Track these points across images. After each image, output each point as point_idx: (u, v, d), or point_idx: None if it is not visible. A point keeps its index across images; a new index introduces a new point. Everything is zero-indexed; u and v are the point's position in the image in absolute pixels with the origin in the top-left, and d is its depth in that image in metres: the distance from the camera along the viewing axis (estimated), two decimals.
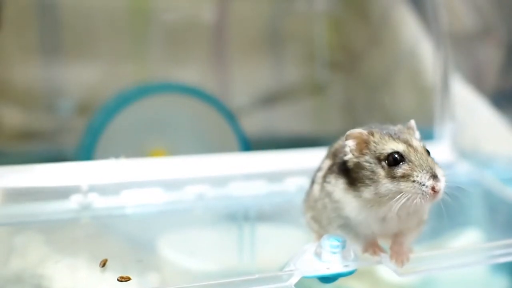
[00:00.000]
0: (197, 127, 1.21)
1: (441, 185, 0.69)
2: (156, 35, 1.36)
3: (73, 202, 0.93)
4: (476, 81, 1.27)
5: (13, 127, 1.32)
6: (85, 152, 1.14)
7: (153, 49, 1.36)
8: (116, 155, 0.99)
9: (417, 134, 0.75)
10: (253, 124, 1.34)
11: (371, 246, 0.74)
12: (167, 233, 0.90)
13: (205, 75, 1.39)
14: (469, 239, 0.94)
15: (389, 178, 0.69)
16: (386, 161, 0.70)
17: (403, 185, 0.69)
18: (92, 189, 0.94)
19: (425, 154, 0.71)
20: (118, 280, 0.73)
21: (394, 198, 0.69)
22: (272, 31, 1.43)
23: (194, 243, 0.90)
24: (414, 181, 0.69)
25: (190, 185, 0.99)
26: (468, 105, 1.23)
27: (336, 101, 1.49)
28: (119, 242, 0.91)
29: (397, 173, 0.69)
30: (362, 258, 0.75)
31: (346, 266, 0.74)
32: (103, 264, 0.77)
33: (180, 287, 0.69)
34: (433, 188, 0.68)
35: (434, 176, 0.69)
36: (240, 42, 1.40)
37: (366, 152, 0.72)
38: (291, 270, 0.72)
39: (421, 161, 0.69)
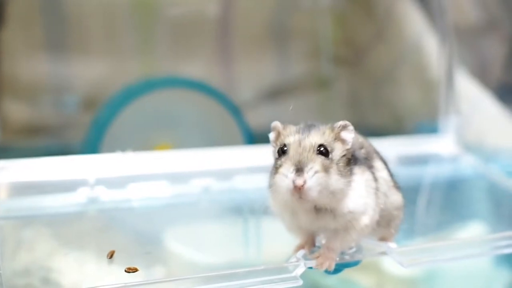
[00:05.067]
0: (202, 121, 1.21)
1: (300, 180, 0.64)
2: (161, 30, 1.36)
3: (80, 195, 0.94)
4: (481, 75, 1.28)
5: (19, 122, 1.32)
6: (91, 147, 1.14)
7: (158, 44, 1.37)
8: (122, 150, 1.00)
9: (346, 135, 0.70)
10: (258, 118, 1.34)
11: (305, 243, 0.74)
12: (173, 226, 0.91)
13: (210, 70, 1.39)
14: (473, 232, 0.95)
15: (275, 169, 0.68)
16: (277, 153, 0.70)
17: (276, 177, 0.67)
18: (99, 182, 0.95)
19: (307, 150, 0.67)
20: (125, 271, 0.74)
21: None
22: (277, 26, 1.43)
23: (200, 236, 0.91)
24: (280, 172, 0.67)
25: (195, 178, 0.99)
26: (472, 99, 1.24)
27: (341, 95, 1.49)
28: (126, 235, 0.91)
29: (277, 164, 0.68)
30: (366, 250, 0.76)
31: (351, 257, 0.74)
32: (111, 255, 0.78)
33: (186, 278, 0.69)
34: (294, 182, 0.65)
35: (299, 170, 0.65)
36: (245, 36, 1.41)
37: (277, 144, 0.71)
38: (296, 261, 0.72)
39: (296, 155, 0.67)
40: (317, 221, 0.70)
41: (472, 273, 0.96)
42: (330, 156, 0.68)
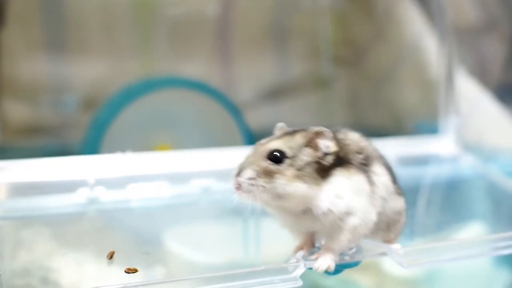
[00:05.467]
0: (202, 122, 1.21)
1: (235, 182, 0.69)
2: (161, 30, 1.36)
3: (80, 195, 0.94)
4: (481, 75, 1.28)
5: (19, 122, 1.32)
6: (91, 147, 1.14)
7: (158, 44, 1.37)
8: (122, 151, 1.00)
9: (320, 142, 0.71)
10: (257, 118, 1.34)
11: (304, 244, 0.75)
12: (173, 227, 0.91)
13: (210, 70, 1.39)
14: (473, 232, 0.95)
15: None
16: None
17: None
18: (98, 182, 0.95)
19: (258, 154, 0.70)
20: (125, 271, 0.74)
21: None
22: (277, 26, 1.43)
23: (200, 236, 0.90)
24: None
25: (195, 178, 0.99)
26: (472, 99, 1.24)
27: (340, 95, 1.49)
28: (126, 235, 0.91)
29: None
30: (366, 250, 0.76)
31: (350, 257, 0.74)
32: (111, 256, 0.78)
33: (186, 278, 0.69)
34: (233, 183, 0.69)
35: (239, 172, 0.69)
36: (244, 36, 1.41)
37: None
38: (296, 262, 0.72)
39: (247, 158, 0.71)
40: (301, 222, 0.72)
41: (472, 273, 0.96)
42: (286, 161, 0.69)
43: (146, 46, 1.36)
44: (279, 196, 0.69)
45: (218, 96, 1.21)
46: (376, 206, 0.73)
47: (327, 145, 0.71)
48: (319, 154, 0.71)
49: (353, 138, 0.76)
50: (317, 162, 0.70)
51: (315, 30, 1.46)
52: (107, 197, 0.95)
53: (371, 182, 0.73)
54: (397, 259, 0.76)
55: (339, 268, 0.73)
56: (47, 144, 1.32)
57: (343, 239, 0.71)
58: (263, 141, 0.72)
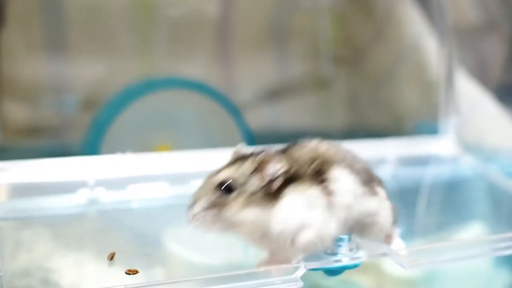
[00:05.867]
0: (202, 122, 1.21)
1: (189, 215, 0.70)
2: (161, 30, 1.36)
3: (80, 196, 0.94)
4: (481, 75, 1.28)
5: (18, 123, 1.32)
6: (90, 148, 1.14)
7: (157, 44, 1.37)
8: (122, 151, 1.00)
9: (269, 167, 0.71)
10: (257, 118, 1.34)
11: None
12: (173, 227, 0.91)
13: (210, 70, 1.39)
14: (473, 232, 0.95)
15: None
16: None
17: None
18: (99, 183, 0.95)
19: (209, 185, 0.71)
20: (126, 273, 0.74)
21: None
22: (277, 26, 1.43)
23: (200, 237, 0.90)
24: None
25: (195, 179, 0.98)
26: (472, 99, 1.24)
27: (340, 95, 1.49)
28: (126, 236, 0.91)
29: None
30: (367, 251, 0.76)
31: (352, 258, 0.74)
32: (111, 257, 0.78)
33: (187, 280, 0.70)
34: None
35: (192, 205, 0.70)
36: (244, 37, 1.41)
37: None
38: (297, 263, 0.72)
39: (198, 189, 0.72)
40: (262, 243, 0.72)
41: (472, 274, 0.96)
42: (236, 190, 0.70)
43: (146, 46, 1.36)
44: (233, 225, 0.70)
45: (218, 97, 1.21)
46: (339, 215, 0.72)
47: (275, 169, 0.71)
48: (268, 179, 0.71)
49: (310, 146, 0.75)
50: (268, 186, 0.71)
51: (315, 30, 1.46)
52: (107, 197, 0.95)
53: (328, 193, 0.71)
54: (397, 260, 0.76)
55: (340, 269, 0.73)
56: (47, 144, 1.32)
57: (295, 253, 0.72)
58: (215, 170, 0.72)
